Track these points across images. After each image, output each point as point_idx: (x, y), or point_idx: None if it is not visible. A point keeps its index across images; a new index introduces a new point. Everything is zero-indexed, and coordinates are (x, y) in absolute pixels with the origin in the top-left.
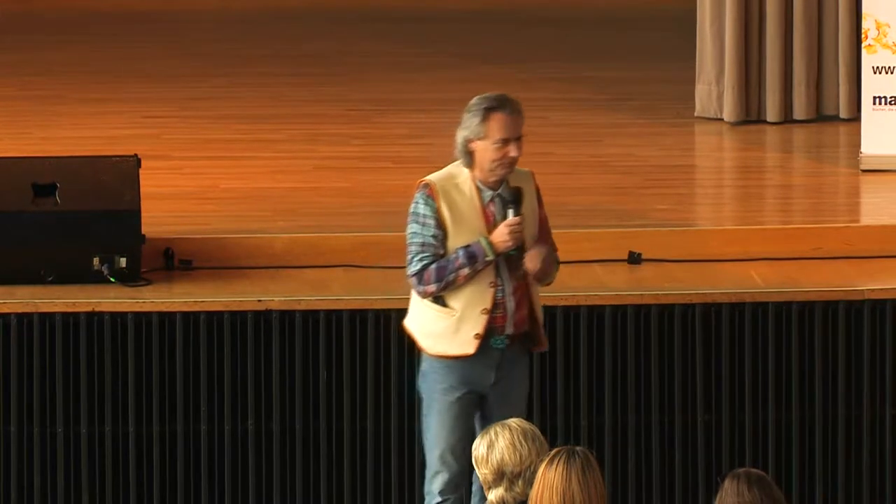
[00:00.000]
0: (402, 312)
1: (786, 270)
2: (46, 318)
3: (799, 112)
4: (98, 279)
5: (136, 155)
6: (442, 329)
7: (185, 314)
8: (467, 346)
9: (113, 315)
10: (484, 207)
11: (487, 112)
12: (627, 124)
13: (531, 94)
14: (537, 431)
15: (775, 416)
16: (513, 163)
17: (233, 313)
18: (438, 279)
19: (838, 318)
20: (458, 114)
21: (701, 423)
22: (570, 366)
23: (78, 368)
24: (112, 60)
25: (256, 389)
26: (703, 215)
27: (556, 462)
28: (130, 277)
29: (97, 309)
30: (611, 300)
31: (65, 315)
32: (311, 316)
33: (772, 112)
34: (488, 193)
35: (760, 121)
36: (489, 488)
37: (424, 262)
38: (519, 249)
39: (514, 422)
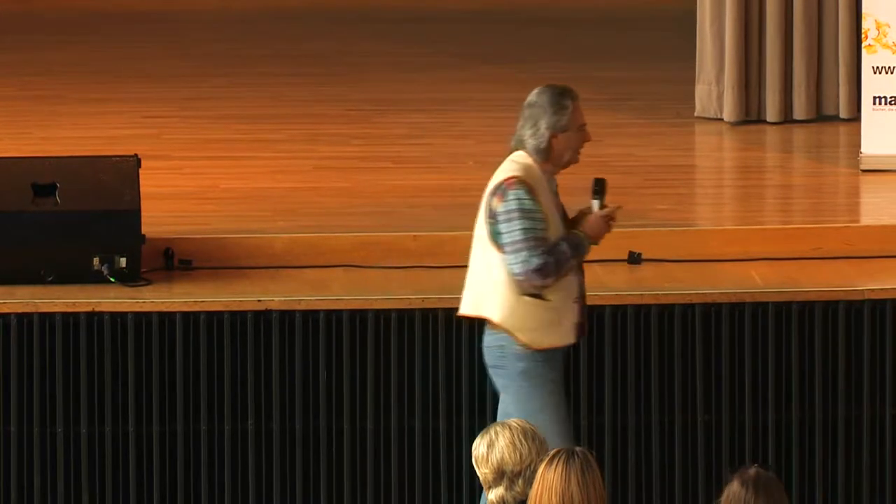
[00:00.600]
0: (402, 312)
1: (786, 270)
2: (46, 318)
3: (799, 112)
4: (98, 279)
5: (136, 155)
6: (546, 322)
7: (185, 314)
8: (569, 335)
9: (113, 315)
10: (555, 197)
11: (569, 102)
12: (627, 124)
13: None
14: (537, 431)
15: (775, 416)
16: None
17: (233, 313)
18: (558, 270)
19: (838, 318)
20: (458, 114)
21: (701, 423)
22: (570, 366)
23: (78, 368)
24: (112, 60)
25: (256, 389)
26: (703, 215)
27: (555, 462)
28: (130, 277)
29: (97, 309)
30: (611, 300)
31: (65, 315)
32: (310, 316)
33: (772, 112)
34: (553, 183)
35: (760, 121)
36: (489, 488)
37: (543, 256)
38: (589, 237)
39: (514, 421)
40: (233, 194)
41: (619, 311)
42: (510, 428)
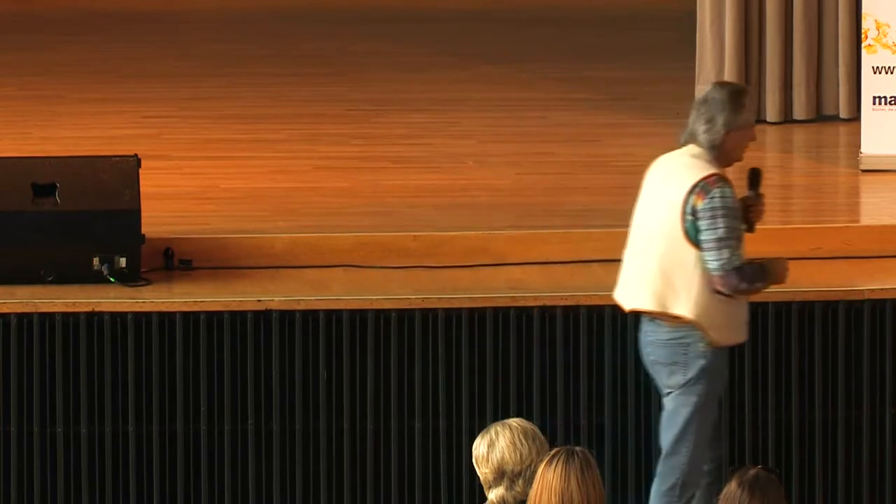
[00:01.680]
0: (402, 312)
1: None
2: (46, 318)
3: (799, 112)
4: (98, 279)
5: (135, 155)
6: (735, 319)
7: (185, 314)
8: (743, 332)
9: (113, 315)
10: None
11: (746, 101)
12: (627, 124)
13: (531, 94)
14: (537, 431)
15: (775, 416)
16: None
17: (232, 313)
18: (753, 281)
19: (838, 318)
20: (458, 114)
21: None
22: (570, 366)
23: (78, 368)
24: (112, 60)
25: (256, 389)
26: None
27: (554, 462)
28: (130, 277)
29: (97, 309)
30: (609, 300)
31: (65, 315)
32: (310, 316)
33: (772, 112)
34: None
35: (760, 121)
36: (489, 487)
37: (742, 258)
38: (749, 226)
39: (514, 421)
40: (233, 194)
41: (618, 311)
42: (510, 428)
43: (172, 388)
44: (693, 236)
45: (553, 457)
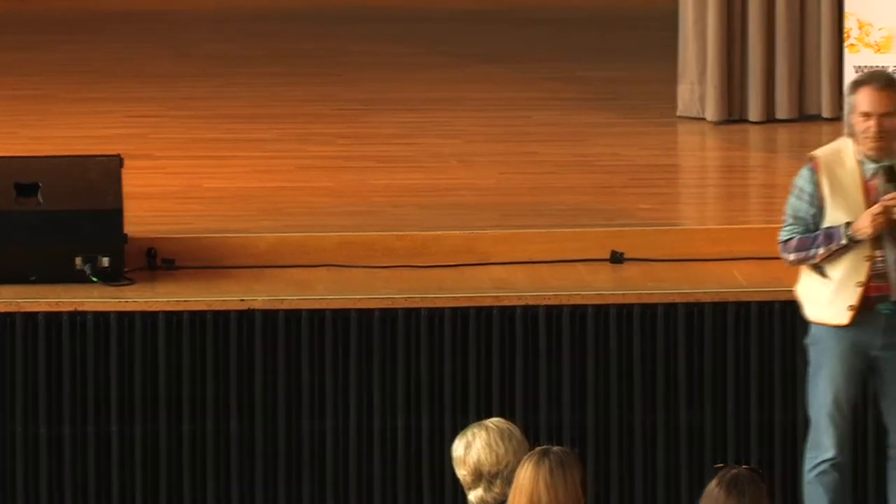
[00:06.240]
0: (386, 312)
1: (770, 270)
2: (29, 317)
3: (781, 111)
4: (81, 279)
5: (118, 155)
6: (821, 297)
7: (168, 314)
8: (841, 316)
9: (96, 315)
10: (865, 181)
11: (856, 87)
12: (612, 123)
13: (519, 94)
14: (516, 431)
15: (758, 416)
16: (881, 137)
17: (216, 313)
18: (797, 251)
19: None
20: (447, 113)
21: (684, 422)
22: (553, 365)
23: (61, 368)
24: (103, 60)
25: (239, 389)
26: (687, 215)
27: (526, 463)
28: (113, 277)
29: (80, 308)
30: (593, 300)
31: (48, 315)
32: (293, 315)
33: (754, 111)
34: (871, 167)
35: (743, 120)
36: (469, 489)
37: (793, 233)
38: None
39: (492, 422)
40: (217, 194)
41: (601, 310)
42: (487, 429)
43: (155, 387)
44: None
45: (527, 457)
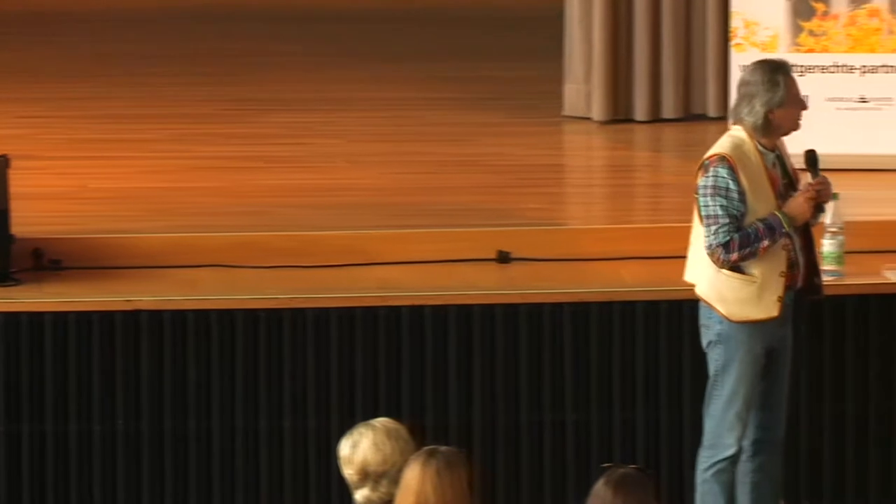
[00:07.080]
0: (271, 312)
1: (656, 269)
2: None
3: (668, 111)
4: None
5: (5, 155)
6: (745, 296)
7: (55, 314)
8: (772, 308)
9: None
10: (769, 171)
11: (780, 78)
12: (498, 123)
13: (412, 94)
14: (403, 431)
15: (644, 415)
16: None
17: (102, 313)
18: (741, 249)
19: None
20: (339, 114)
21: (570, 421)
22: (439, 365)
23: None
24: None
25: (126, 389)
26: (574, 214)
27: (413, 463)
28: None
29: None
30: (480, 299)
31: None
32: (179, 316)
33: (640, 111)
34: (770, 156)
35: (629, 120)
36: (355, 489)
37: (730, 233)
38: (819, 208)
39: (379, 421)
40: (104, 194)
41: (488, 310)
42: (374, 428)
43: (41, 387)
44: (699, 213)
45: (415, 457)
